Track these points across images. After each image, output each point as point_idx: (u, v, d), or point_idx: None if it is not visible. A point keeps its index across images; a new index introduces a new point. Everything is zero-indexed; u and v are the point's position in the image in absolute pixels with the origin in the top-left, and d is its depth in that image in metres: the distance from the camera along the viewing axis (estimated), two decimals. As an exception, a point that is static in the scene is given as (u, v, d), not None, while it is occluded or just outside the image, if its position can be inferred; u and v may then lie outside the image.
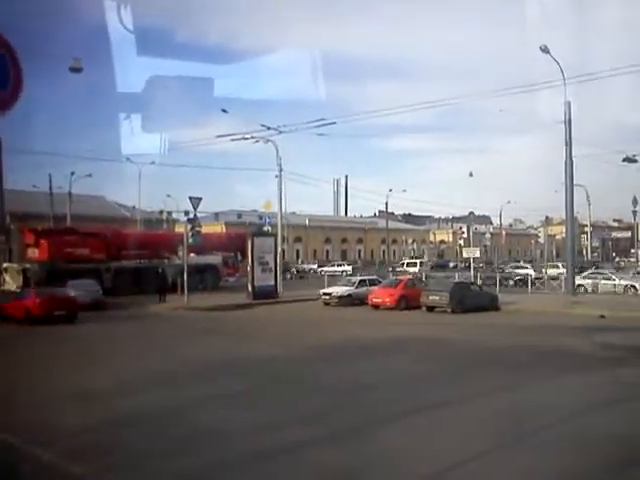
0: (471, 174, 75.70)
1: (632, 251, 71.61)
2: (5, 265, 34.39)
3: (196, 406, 9.47)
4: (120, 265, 34.49)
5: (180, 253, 30.45)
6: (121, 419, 8.68)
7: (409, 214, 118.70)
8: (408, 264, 61.01)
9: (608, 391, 10.54)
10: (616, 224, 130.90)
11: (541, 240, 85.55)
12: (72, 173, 50.23)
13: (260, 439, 7.80)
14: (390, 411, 9.15)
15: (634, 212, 57.94)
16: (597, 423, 8.51)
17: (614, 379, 11.57)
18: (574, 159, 30.39)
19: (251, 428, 8.28)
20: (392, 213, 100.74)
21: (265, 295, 29.75)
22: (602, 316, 21.99)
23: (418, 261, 62.86)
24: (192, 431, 8.13)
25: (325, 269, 58.67)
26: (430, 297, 25.61)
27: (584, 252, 69.05)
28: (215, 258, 39.07)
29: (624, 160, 37.30)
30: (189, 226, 29.22)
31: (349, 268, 59.94)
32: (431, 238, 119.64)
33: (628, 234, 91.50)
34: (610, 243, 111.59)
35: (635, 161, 37.32)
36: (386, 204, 75.30)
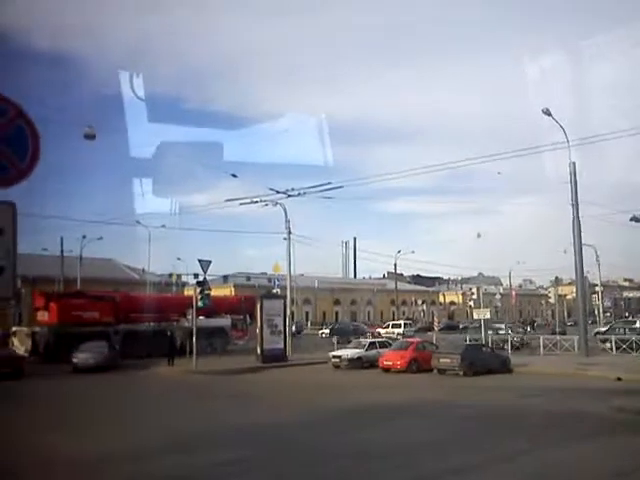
0: (479, 235, 75.93)
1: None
2: (14, 329, 34.50)
3: (203, 474, 9.25)
4: (129, 328, 34.37)
5: (189, 316, 30.36)
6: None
7: (418, 275, 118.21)
8: (393, 325, 60.65)
9: (627, 458, 10.24)
10: (627, 284, 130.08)
11: (551, 300, 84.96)
12: (83, 236, 50.87)
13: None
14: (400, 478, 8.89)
15: (645, 271, 57.44)
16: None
17: (631, 444, 11.27)
18: (581, 219, 30.57)
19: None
20: (401, 274, 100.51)
21: (274, 358, 29.42)
22: (619, 379, 21.56)
23: (402, 322, 62.51)
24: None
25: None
26: (441, 360, 25.27)
27: (596, 312, 68.17)
28: (224, 321, 38.88)
29: (631, 219, 37.38)
30: (198, 289, 29.21)
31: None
32: (440, 299, 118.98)
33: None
34: (622, 303, 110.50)
35: (643, 220, 37.35)
36: (395, 265, 75.40)
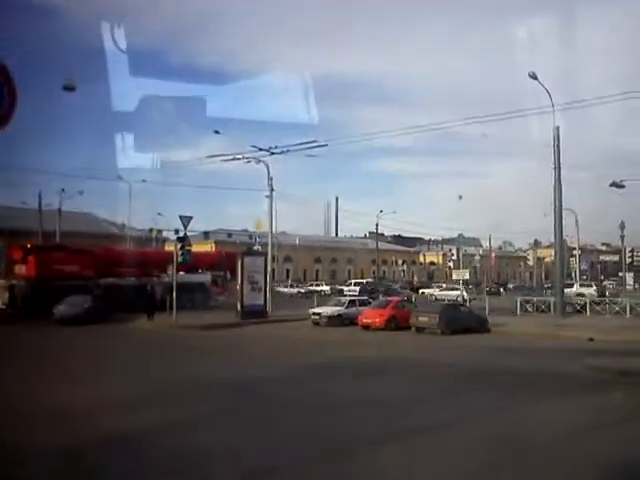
0: (460, 197, 76.71)
1: (620, 274, 72.01)
2: (-8, 281, 34.17)
3: (184, 427, 9.33)
4: (109, 282, 34.28)
5: (170, 271, 30.33)
6: (104, 440, 8.54)
7: (399, 235, 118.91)
8: (355, 284, 61.42)
9: (598, 414, 10.54)
10: (604, 248, 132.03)
11: (530, 262, 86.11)
12: (62, 190, 50.22)
13: (246, 459, 7.71)
14: (375, 433, 9.05)
15: (622, 236, 58.33)
16: (588, 447, 8.50)
17: (604, 402, 11.60)
18: (563, 183, 30.77)
19: (238, 449, 8.18)
20: (382, 234, 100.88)
21: (254, 314, 29.62)
22: (591, 339, 22.06)
23: (364, 281, 63.41)
24: (180, 452, 8.00)
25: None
26: (420, 318, 25.60)
27: (572, 275, 69.28)
28: (204, 277, 38.93)
29: (611, 185, 37.66)
30: (179, 244, 29.12)
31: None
32: (421, 259, 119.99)
33: (616, 258, 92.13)
34: (599, 266, 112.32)
35: (622, 186, 37.66)
36: (376, 225, 75.64)
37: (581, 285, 53.28)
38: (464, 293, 41.77)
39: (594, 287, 50.39)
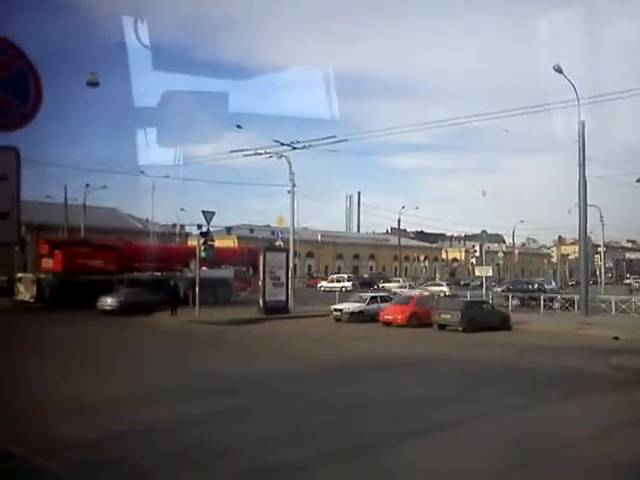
0: (484, 193, 76.22)
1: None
2: (19, 275, 34.81)
3: (203, 421, 9.41)
4: (133, 277, 34.68)
5: (192, 266, 30.55)
6: (125, 432, 8.65)
7: (421, 232, 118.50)
8: (338, 279, 61.31)
9: (620, 414, 10.43)
10: (630, 245, 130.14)
11: (554, 259, 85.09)
12: (87, 185, 50.84)
13: (267, 456, 7.75)
14: (398, 430, 9.04)
15: (648, 233, 57.41)
16: (606, 448, 8.40)
17: (629, 401, 11.46)
18: (587, 179, 30.36)
19: (258, 445, 8.23)
20: (404, 230, 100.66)
21: (276, 310, 29.72)
22: (616, 338, 21.76)
23: (346, 276, 63.04)
24: (196, 447, 8.09)
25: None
26: (442, 315, 25.47)
27: (597, 272, 68.37)
28: (227, 272, 39.15)
29: (638, 181, 37.13)
30: (202, 240, 29.30)
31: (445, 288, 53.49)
32: (443, 256, 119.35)
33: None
34: (624, 264, 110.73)
35: (649, 182, 37.11)
36: (398, 221, 75.44)
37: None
38: (444, 289, 44.22)
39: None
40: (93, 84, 16.27)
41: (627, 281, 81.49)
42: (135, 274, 35.17)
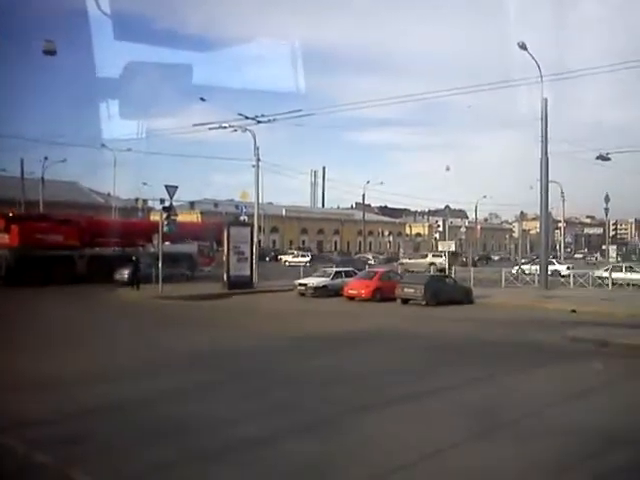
0: (448, 168, 76.49)
1: (603, 247, 72.79)
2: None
3: (167, 397, 9.34)
4: (94, 252, 34.09)
5: (155, 241, 30.17)
6: (89, 409, 8.55)
7: (386, 207, 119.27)
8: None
9: (579, 383, 10.73)
10: (588, 220, 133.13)
11: (515, 235, 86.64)
12: (45, 158, 49.61)
13: (234, 430, 7.75)
14: (364, 403, 9.15)
15: (606, 209, 58.76)
16: (568, 414, 8.67)
17: (583, 372, 11.80)
18: (549, 156, 30.80)
19: (225, 419, 8.22)
20: (369, 205, 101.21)
21: (240, 285, 29.63)
22: (573, 310, 22.33)
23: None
24: (163, 422, 8.03)
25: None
26: (405, 289, 25.73)
27: (557, 247, 69.82)
28: (190, 247, 38.78)
29: (597, 158, 37.75)
30: (164, 214, 28.91)
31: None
32: (407, 231, 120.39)
33: (600, 230, 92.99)
34: (583, 239, 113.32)
35: (608, 159, 37.76)
36: (363, 196, 75.80)
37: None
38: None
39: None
40: (50, 52, 15.71)
41: (578, 256, 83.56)
42: (97, 249, 34.57)
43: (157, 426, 7.87)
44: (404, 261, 54.97)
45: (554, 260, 50.51)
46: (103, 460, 6.67)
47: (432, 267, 45.90)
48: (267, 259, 54.42)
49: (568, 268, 42.74)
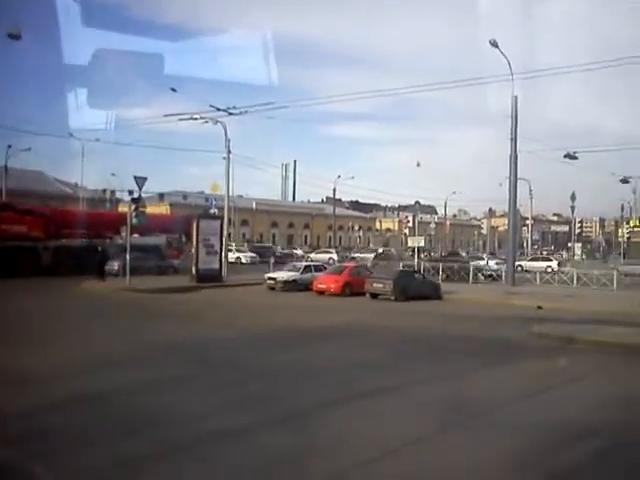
0: (418, 164, 77.10)
1: (569, 245, 74.12)
2: None
3: (136, 390, 9.23)
4: (59, 244, 33.44)
5: (123, 233, 29.73)
6: (56, 403, 8.37)
7: (356, 201, 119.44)
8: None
9: (545, 379, 10.89)
10: (555, 218, 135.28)
11: (484, 231, 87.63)
12: (9, 146, 48.49)
13: (206, 423, 7.70)
14: (332, 397, 9.16)
15: (572, 207, 59.88)
16: (531, 409, 8.80)
17: (548, 367, 11.98)
18: (519, 153, 31.17)
19: (194, 412, 8.15)
20: (340, 200, 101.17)
21: (209, 278, 29.41)
22: (539, 307, 22.65)
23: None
24: (131, 416, 7.94)
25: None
26: (374, 284, 25.83)
27: (524, 244, 70.82)
28: (159, 239, 38.34)
29: (565, 156, 38.36)
30: (133, 206, 28.51)
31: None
32: (377, 226, 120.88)
33: (566, 228, 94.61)
34: (550, 236, 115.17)
35: (576, 158, 38.43)
36: (334, 190, 75.66)
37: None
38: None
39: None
40: (15, 37, 15.28)
41: (543, 252, 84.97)
42: (63, 241, 33.91)
43: (129, 419, 7.78)
44: (355, 255, 56.01)
45: (484, 255, 53.11)
46: (70, 455, 6.54)
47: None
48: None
49: (497, 264, 44.24)
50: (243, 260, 47.73)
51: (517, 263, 40.35)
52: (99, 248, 31.23)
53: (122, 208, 49.94)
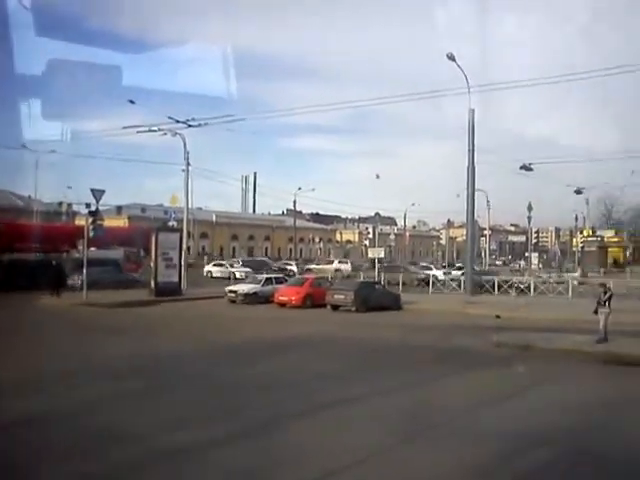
0: (378, 176, 77.51)
1: (526, 255, 75.59)
2: None
3: (94, 406, 8.99)
4: (12, 258, 32.55)
5: (80, 247, 29.16)
6: (8, 421, 8.09)
7: (317, 213, 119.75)
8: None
9: (503, 386, 11.05)
10: (512, 228, 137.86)
11: (443, 242, 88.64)
12: (-42, 158, 47.18)
13: (163, 439, 7.52)
14: (294, 409, 9.11)
15: (529, 218, 61.06)
16: (491, 417, 8.88)
17: (507, 375, 12.13)
18: (476, 165, 31.67)
19: (152, 428, 7.96)
20: (300, 212, 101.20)
21: (168, 292, 29.00)
22: (497, 316, 22.96)
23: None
24: (89, 433, 7.70)
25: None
26: (335, 296, 25.85)
27: (482, 254, 71.91)
28: (117, 253, 37.73)
29: (521, 168, 39.21)
30: (90, 219, 27.98)
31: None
32: (338, 238, 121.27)
33: (523, 238, 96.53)
34: (507, 246, 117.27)
35: (531, 169, 39.34)
36: (294, 203, 75.58)
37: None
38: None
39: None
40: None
41: (499, 262, 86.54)
42: (16, 255, 33.02)
43: (84, 437, 7.54)
44: (312, 267, 56.25)
45: (432, 265, 55.00)
46: (30, 474, 6.31)
47: (337, 273, 48.37)
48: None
49: (444, 274, 45.27)
50: (238, 275, 44.58)
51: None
52: (54, 262, 30.49)
53: (79, 221, 48.97)
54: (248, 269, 46.37)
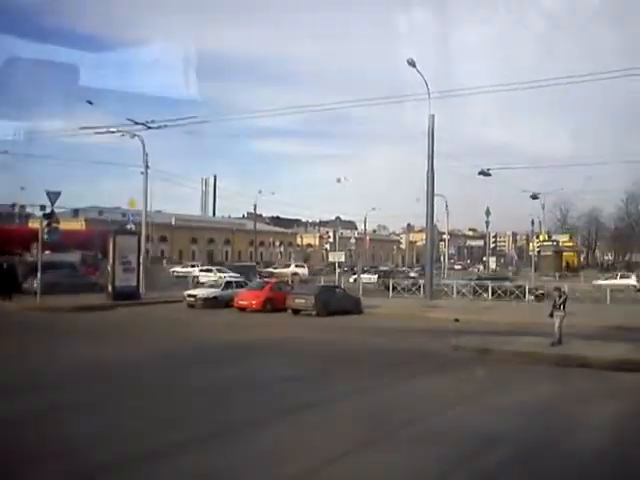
0: (339, 180, 77.94)
1: (484, 259, 76.80)
2: None
3: (45, 415, 8.70)
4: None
5: (34, 250, 28.45)
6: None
7: (277, 217, 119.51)
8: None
9: (463, 389, 11.16)
10: (471, 233, 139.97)
11: (403, 246, 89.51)
12: None
13: (121, 446, 7.33)
14: (255, 414, 9.01)
15: (487, 222, 62.11)
16: (451, 420, 8.95)
17: (462, 379, 12.27)
18: (435, 170, 32.01)
19: (110, 436, 7.75)
20: (261, 215, 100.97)
21: (126, 296, 28.48)
22: (456, 320, 23.24)
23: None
24: (39, 442, 7.46)
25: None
26: (296, 300, 25.80)
27: (441, 259, 72.78)
28: (73, 256, 36.95)
29: (479, 173, 39.83)
30: (45, 222, 27.34)
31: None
32: (298, 241, 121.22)
33: (481, 242, 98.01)
34: (465, 251, 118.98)
35: (489, 175, 40.00)
36: (255, 206, 75.45)
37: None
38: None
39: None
40: None
41: (457, 267, 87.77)
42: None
43: (33, 446, 7.26)
44: (270, 270, 56.46)
45: (371, 269, 57.79)
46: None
47: (295, 277, 48.95)
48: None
49: (379, 277, 47.13)
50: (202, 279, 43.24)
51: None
52: (5, 265, 29.66)
53: (33, 224, 47.81)
54: (238, 275, 43.05)
